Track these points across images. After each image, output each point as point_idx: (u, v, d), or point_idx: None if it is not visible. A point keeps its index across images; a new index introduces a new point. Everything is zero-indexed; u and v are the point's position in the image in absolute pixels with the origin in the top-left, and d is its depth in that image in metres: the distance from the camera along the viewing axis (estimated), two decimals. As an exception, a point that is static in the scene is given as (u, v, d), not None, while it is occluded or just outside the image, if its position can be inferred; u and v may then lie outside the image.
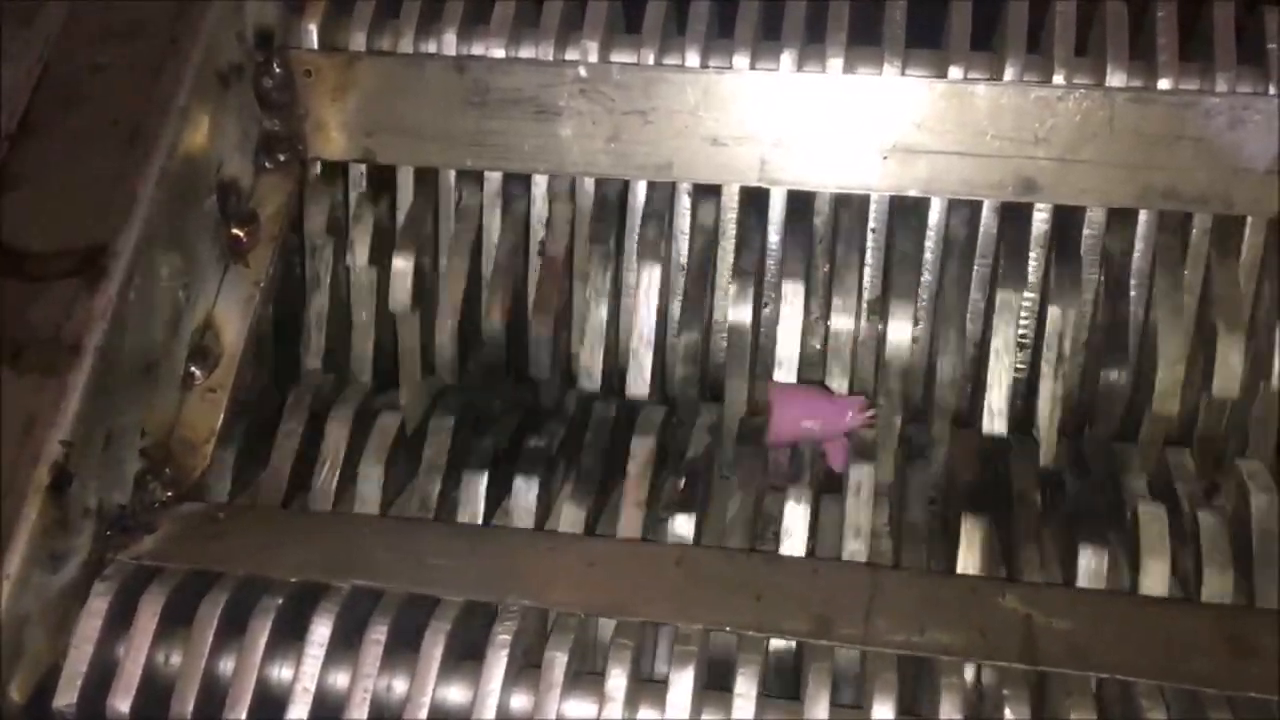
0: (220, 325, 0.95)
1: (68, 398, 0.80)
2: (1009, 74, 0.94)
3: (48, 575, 0.78)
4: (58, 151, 0.90)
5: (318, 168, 1.02)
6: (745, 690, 0.75)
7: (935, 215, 0.98)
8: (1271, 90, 0.92)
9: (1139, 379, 0.96)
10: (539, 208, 1.03)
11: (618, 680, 0.76)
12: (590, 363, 1.00)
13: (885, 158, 0.96)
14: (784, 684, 0.82)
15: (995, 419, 0.94)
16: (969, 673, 0.77)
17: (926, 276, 1.00)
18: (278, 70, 0.99)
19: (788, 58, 0.96)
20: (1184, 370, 0.93)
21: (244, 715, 0.77)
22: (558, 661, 0.76)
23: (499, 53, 0.99)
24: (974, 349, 0.99)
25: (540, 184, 1.02)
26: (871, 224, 1.00)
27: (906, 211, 0.99)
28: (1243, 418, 0.95)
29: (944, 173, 0.96)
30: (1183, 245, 0.96)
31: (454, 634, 0.78)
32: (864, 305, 1.01)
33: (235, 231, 0.96)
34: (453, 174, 1.02)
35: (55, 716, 0.77)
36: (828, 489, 0.93)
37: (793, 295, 0.98)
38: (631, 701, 0.76)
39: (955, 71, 0.94)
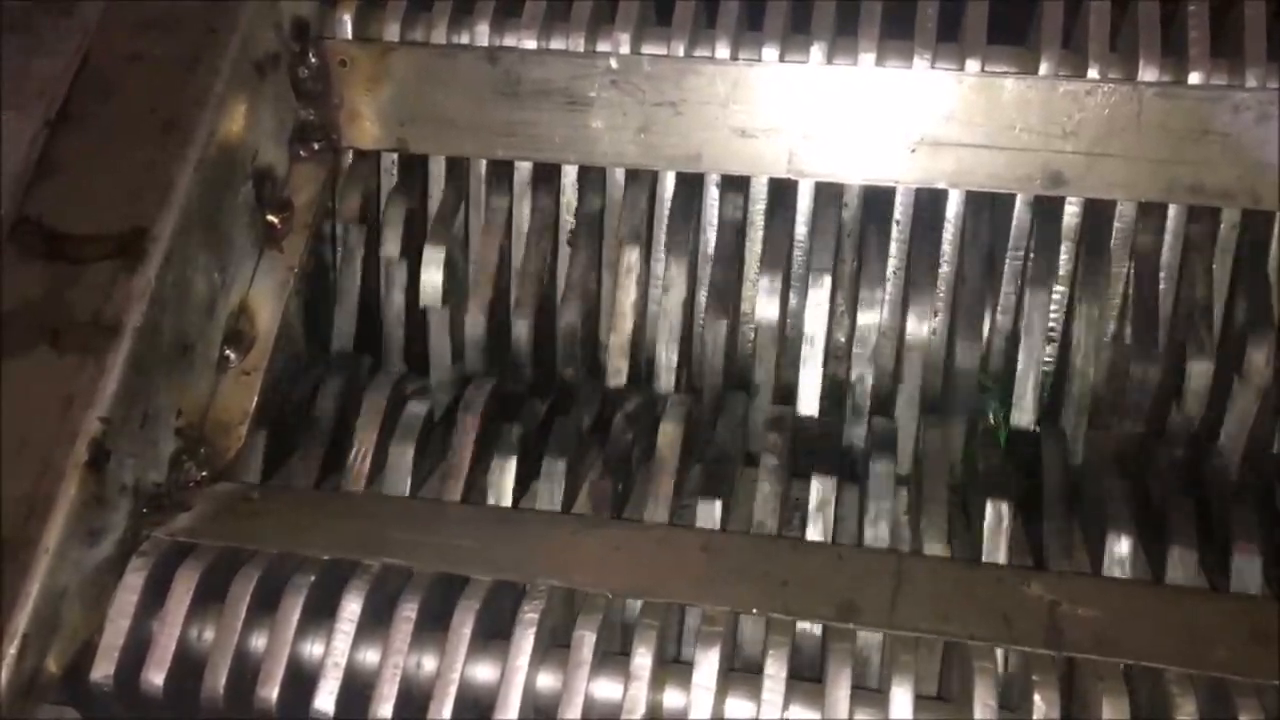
0: (255, 309, 0.96)
1: (106, 377, 0.82)
2: (1039, 68, 0.94)
3: (85, 550, 0.80)
4: (97, 139, 0.92)
5: (351, 157, 1.04)
6: (774, 671, 0.75)
7: (954, 208, 0.99)
8: (1302, 87, 0.92)
9: (1167, 374, 0.96)
10: (569, 200, 1.04)
11: (643, 660, 0.77)
12: (618, 353, 1.01)
13: (913, 150, 0.97)
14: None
15: (1023, 412, 0.95)
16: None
17: (946, 269, 1.00)
18: (313, 60, 1.00)
19: (817, 50, 0.97)
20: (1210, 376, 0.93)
21: (276, 690, 0.78)
22: (586, 640, 0.77)
23: (531, 44, 1.00)
24: (1003, 342, 1.00)
25: (570, 174, 1.03)
26: (897, 217, 1.01)
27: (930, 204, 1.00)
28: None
29: (972, 166, 0.96)
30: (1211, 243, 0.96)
31: (483, 613, 0.79)
32: (888, 297, 1.01)
33: (270, 218, 0.98)
34: (484, 164, 1.04)
35: (91, 688, 0.79)
36: (851, 477, 0.94)
37: (819, 288, 0.99)
38: (657, 681, 0.77)
39: (982, 65, 0.95)
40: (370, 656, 0.79)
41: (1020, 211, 0.99)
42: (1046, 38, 0.95)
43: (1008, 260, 0.99)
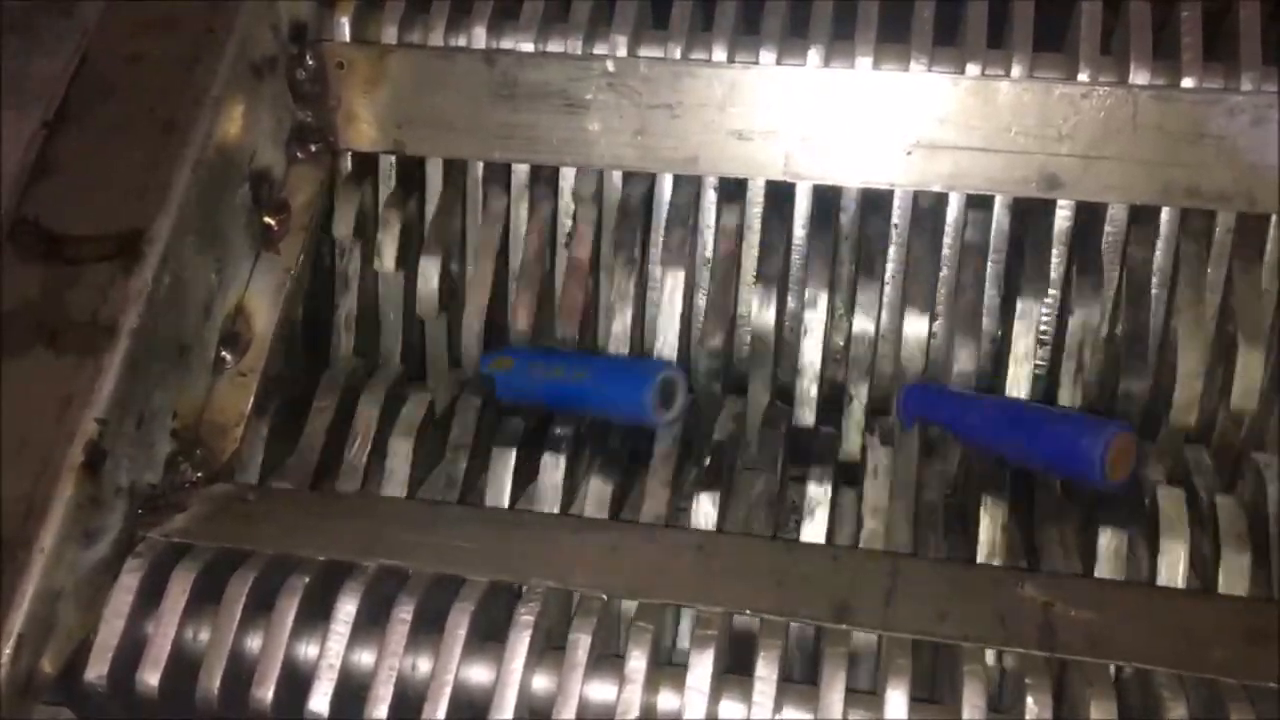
0: (251, 311, 0.96)
1: (103, 378, 0.82)
2: (1033, 71, 0.94)
3: (81, 551, 0.80)
4: (95, 140, 0.92)
5: (348, 159, 1.04)
6: (766, 673, 0.76)
7: (954, 212, 0.99)
8: (1297, 90, 0.92)
9: (1158, 380, 0.96)
10: (566, 202, 1.04)
11: (637, 662, 0.77)
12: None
13: (909, 153, 0.97)
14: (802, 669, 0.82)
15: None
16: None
17: (945, 272, 1.00)
18: (310, 62, 1.01)
19: (814, 53, 0.97)
20: (1201, 383, 0.93)
21: (270, 691, 0.78)
22: (581, 643, 0.77)
23: (528, 46, 1.00)
24: (991, 345, 1.00)
25: (568, 177, 1.03)
26: (894, 220, 1.01)
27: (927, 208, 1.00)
28: (1263, 418, 0.95)
29: (967, 169, 0.96)
30: (1205, 248, 0.96)
31: (478, 614, 0.79)
32: (885, 301, 1.01)
33: (267, 220, 0.98)
34: (480, 167, 1.04)
35: (86, 688, 0.79)
36: (847, 479, 0.94)
37: (817, 291, 0.99)
38: (651, 683, 0.77)
39: (978, 68, 0.95)
40: (365, 658, 0.79)
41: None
42: (1018, 40, 0.95)
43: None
